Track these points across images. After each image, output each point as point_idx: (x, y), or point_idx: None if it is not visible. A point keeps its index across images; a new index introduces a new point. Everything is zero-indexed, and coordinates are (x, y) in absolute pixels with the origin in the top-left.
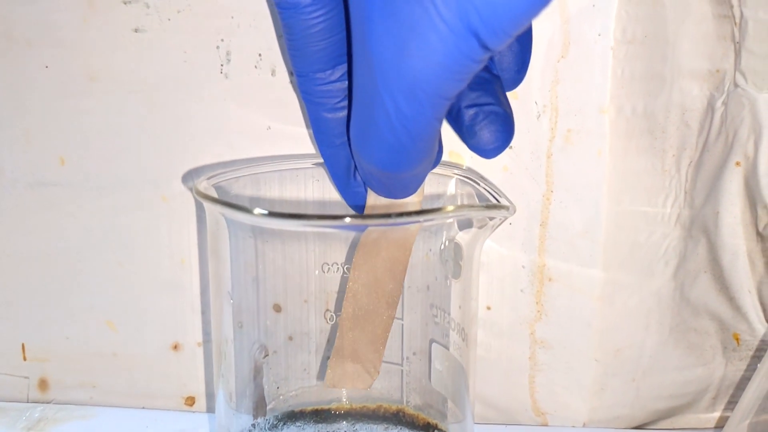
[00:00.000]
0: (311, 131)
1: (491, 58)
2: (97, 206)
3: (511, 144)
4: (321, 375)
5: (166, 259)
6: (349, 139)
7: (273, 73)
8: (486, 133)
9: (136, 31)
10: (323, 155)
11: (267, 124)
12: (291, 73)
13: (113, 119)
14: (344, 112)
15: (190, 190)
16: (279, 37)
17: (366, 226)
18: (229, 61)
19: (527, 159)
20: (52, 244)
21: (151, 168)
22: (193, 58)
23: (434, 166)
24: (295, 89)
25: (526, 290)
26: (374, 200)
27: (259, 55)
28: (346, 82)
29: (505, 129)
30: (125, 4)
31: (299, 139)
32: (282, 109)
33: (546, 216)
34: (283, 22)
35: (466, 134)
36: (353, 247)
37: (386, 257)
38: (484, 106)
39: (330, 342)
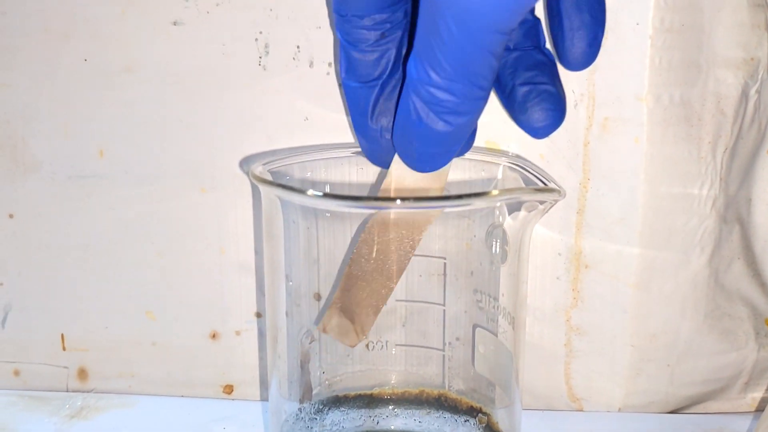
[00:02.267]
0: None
1: (562, 34)
2: (135, 197)
3: None
4: (318, 321)
5: (204, 249)
6: (380, 81)
7: (311, 64)
8: (538, 111)
9: (174, 23)
10: (346, 90)
11: (305, 115)
12: (329, 64)
13: (152, 111)
14: (376, 55)
15: (245, 173)
16: (317, 28)
17: (412, 207)
18: (267, 53)
19: (564, 147)
20: (91, 235)
21: (189, 159)
22: (232, 51)
23: (465, 150)
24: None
25: (563, 277)
26: (394, 184)
27: (297, 47)
28: (384, 29)
29: (556, 108)
30: None
31: (337, 130)
32: (320, 101)
33: (583, 203)
34: None
35: (517, 111)
36: None
37: (400, 234)
38: (538, 85)
39: None
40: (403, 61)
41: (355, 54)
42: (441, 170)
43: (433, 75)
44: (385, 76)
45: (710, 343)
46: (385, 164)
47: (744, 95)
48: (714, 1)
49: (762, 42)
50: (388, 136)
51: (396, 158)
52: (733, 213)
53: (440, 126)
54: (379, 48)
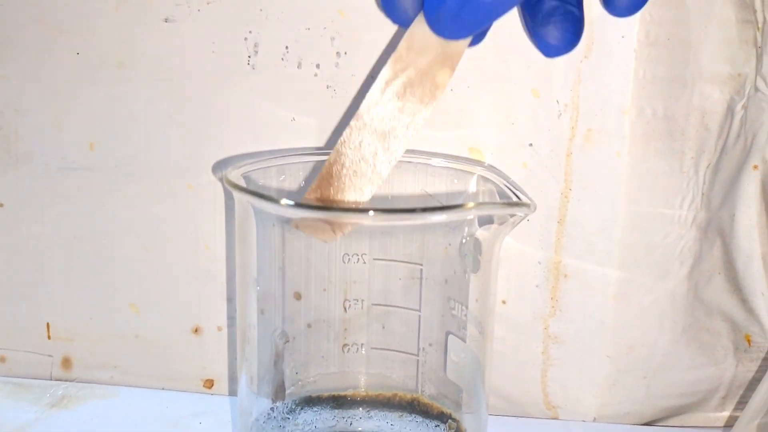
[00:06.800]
0: None
1: None
2: (124, 191)
3: (531, 141)
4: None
5: (190, 245)
6: None
7: (299, 65)
8: (558, 29)
9: (166, 20)
10: None
11: (291, 115)
12: (317, 66)
13: (142, 107)
14: None
15: (219, 179)
16: (306, 30)
17: (384, 220)
18: (256, 52)
19: (546, 156)
20: (79, 227)
21: (177, 156)
22: (221, 49)
23: (477, 41)
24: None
25: (542, 286)
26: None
27: (286, 47)
28: None
29: (575, 32)
30: None
31: (322, 131)
32: (307, 102)
33: (563, 213)
34: None
35: (539, 23)
36: (374, 238)
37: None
38: (565, 4)
39: (347, 330)
40: None
41: None
42: (454, 55)
43: None
44: None
45: (688, 357)
46: (398, 18)
47: (729, 111)
48: (702, 17)
49: (750, 58)
50: None
51: (416, 24)
52: (715, 228)
53: None
54: None
